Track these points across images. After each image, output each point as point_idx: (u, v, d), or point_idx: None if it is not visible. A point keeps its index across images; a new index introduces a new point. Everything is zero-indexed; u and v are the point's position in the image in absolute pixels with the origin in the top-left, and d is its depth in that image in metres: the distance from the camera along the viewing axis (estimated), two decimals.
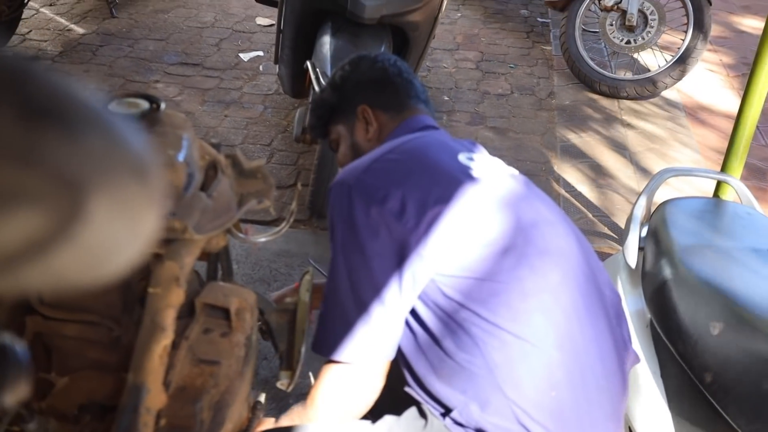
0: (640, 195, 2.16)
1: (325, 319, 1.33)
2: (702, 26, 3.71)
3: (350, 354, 1.26)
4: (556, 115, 3.65)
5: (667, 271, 1.81)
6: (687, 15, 3.73)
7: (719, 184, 2.33)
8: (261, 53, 4.07)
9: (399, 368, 1.38)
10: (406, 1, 2.63)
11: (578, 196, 3.05)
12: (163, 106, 1.53)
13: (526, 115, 3.63)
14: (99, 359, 1.37)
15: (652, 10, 3.81)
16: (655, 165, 3.25)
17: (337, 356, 1.27)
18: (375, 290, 1.26)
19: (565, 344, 1.26)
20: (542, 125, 3.55)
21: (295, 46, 2.84)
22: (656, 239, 2.00)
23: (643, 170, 3.24)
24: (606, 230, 2.85)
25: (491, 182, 1.37)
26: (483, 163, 1.42)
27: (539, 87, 3.91)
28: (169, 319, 1.25)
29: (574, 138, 3.48)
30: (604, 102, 3.82)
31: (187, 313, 1.42)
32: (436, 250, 1.25)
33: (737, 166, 2.31)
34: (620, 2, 3.79)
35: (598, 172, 3.22)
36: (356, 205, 1.30)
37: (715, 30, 4.23)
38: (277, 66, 3.09)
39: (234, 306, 1.38)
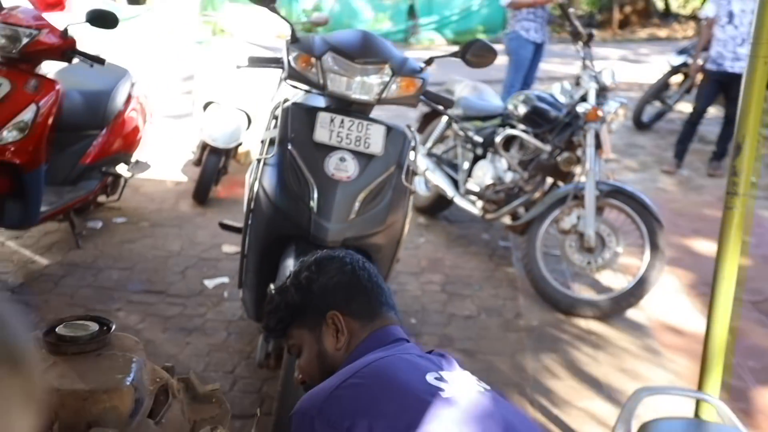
0: (619, 417, 2.08)
1: None
2: (657, 247, 3.83)
3: None
4: (525, 336, 3.62)
5: None
6: (642, 237, 3.86)
7: (699, 403, 2.25)
8: (226, 280, 4.06)
9: None
10: (368, 225, 2.67)
11: (554, 418, 2.93)
12: (113, 328, 1.46)
13: (494, 336, 3.60)
14: None
15: (609, 232, 3.94)
16: (628, 385, 3.17)
17: None
18: None
19: None
20: (511, 346, 3.50)
21: (259, 270, 2.83)
22: None
23: (617, 391, 3.16)
24: None
25: (461, 403, 1.29)
26: (453, 382, 1.36)
27: (506, 308, 3.92)
28: None
29: (545, 359, 3.42)
30: (572, 322, 3.82)
31: None
32: None
33: (714, 385, 2.25)
34: (577, 225, 3.93)
35: (571, 394, 3.13)
36: None
37: (670, 251, 4.35)
38: (241, 291, 3.07)
39: None
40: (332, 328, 1.50)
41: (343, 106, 2.71)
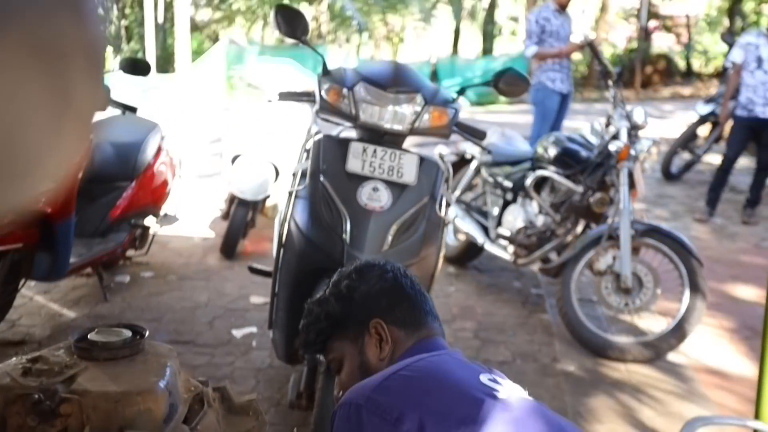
0: None
1: None
2: (698, 287, 3.71)
3: None
4: (563, 381, 3.49)
5: None
6: (681, 276, 3.75)
7: None
8: (254, 329, 3.99)
9: None
10: (401, 256, 2.61)
11: None
12: (146, 335, 1.41)
13: (531, 381, 3.46)
14: None
15: (646, 272, 3.83)
16: (674, 427, 3.03)
17: None
18: None
19: None
20: (549, 391, 3.37)
21: (290, 308, 2.76)
22: None
23: None
24: None
25: (515, 406, 1.21)
26: (506, 386, 1.28)
27: (542, 353, 3.79)
28: None
29: (586, 403, 3.29)
30: (611, 366, 3.68)
31: None
32: None
33: None
34: (613, 266, 3.83)
35: None
36: (367, 428, 1.12)
37: (709, 297, 4.22)
38: (271, 332, 2.99)
39: None
40: (375, 338, 1.42)
41: (376, 137, 2.69)
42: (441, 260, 2.90)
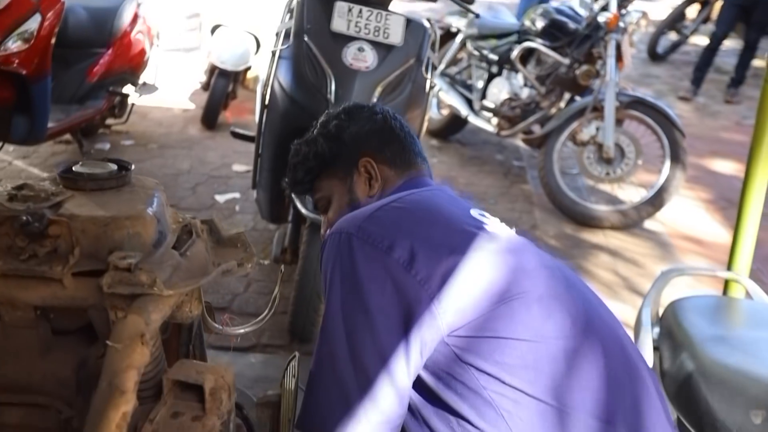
0: (646, 296, 2.04)
1: (315, 390, 1.12)
2: (678, 158, 3.75)
3: None
4: (543, 246, 3.57)
5: (689, 366, 1.65)
6: (662, 147, 3.78)
7: (728, 283, 2.20)
8: (237, 195, 4.00)
9: None
10: None
11: None
12: (132, 168, 1.40)
13: None
14: None
15: (628, 143, 3.85)
16: (649, 286, 3.14)
17: None
18: (379, 356, 1.07)
19: (602, 412, 1.08)
20: None
21: (274, 168, 2.75)
22: (671, 336, 1.85)
23: (636, 292, 3.12)
24: None
25: (502, 237, 1.24)
26: (495, 222, 1.30)
27: (522, 220, 3.86)
28: (131, 381, 1.04)
29: (564, 264, 3.38)
30: (589, 233, 3.77)
31: (153, 394, 1.21)
32: (450, 307, 1.08)
33: (744, 265, 2.19)
34: (596, 136, 3.84)
35: None
36: (358, 254, 1.12)
37: (689, 171, 4.27)
38: (255, 192, 3.00)
39: (209, 384, 1.17)
40: (365, 176, 1.41)
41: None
42: (426, 124, 2.88)
